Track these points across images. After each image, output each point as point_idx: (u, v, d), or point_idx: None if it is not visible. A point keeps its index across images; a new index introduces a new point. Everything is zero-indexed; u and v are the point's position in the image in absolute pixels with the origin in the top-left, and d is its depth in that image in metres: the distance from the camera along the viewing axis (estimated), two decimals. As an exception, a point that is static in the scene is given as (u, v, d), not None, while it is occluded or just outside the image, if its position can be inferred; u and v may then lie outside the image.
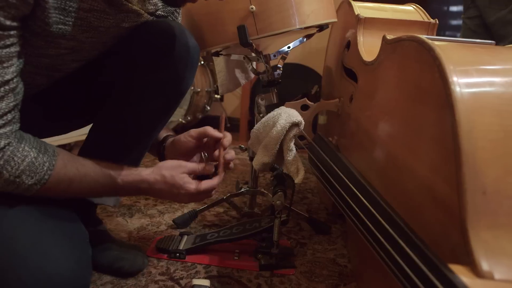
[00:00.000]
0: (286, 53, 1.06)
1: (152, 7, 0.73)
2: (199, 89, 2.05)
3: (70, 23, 0.59)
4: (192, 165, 0.77)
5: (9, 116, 0.59)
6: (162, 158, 0.86)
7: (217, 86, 2.10)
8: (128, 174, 0.72)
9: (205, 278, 0.84)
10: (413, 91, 0.63)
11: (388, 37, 0.76)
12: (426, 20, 1.07)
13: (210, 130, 0.84)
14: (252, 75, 1.23)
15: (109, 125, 0.78)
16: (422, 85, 0.59)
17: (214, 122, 0.95)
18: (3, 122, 0.59)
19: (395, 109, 0.70)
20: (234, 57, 1.11)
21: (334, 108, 1.08)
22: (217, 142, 0.84)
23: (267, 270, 0.88)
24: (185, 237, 0.96)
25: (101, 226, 0.90)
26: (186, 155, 0.83)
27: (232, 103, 2.30)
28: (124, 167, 0.73)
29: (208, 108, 2.21)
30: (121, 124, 0.78)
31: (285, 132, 0.90)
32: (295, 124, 0.91)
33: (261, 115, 1.08)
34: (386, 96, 0.75)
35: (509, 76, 0.54)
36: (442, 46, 0.57)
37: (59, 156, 0.66)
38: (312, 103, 1.07)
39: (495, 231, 0.47)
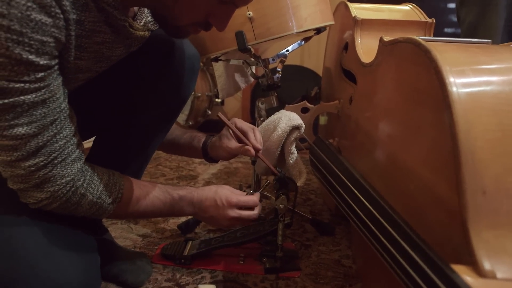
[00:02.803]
0: (285, 56, 1.07)
1: (157, 26, 0.74)
2: (199, 94, 2.05)
3: (85, 57, 0.61)
4: (241, 194, 0.81)
5: (77, 139, 0.62)
6: (207, 155, 0.91)
7: (217, 90, 2.10)
8: (181, 188, 0.77)
9: (211, 283, 0.84)
10: (411, 93, 0.63)
11: (385, 39, 0.76)
12: (423, 19, 1.07)
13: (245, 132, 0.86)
14: (252, 79, 1.23)
15: (113, 136, 0.79)
16: (419, 87, 0.59)
17: (216, 126, 0.96)
18: (77, 143, 0.62)
19: (394, 110, 0.71)
20: (233, 62, 1.12)
21: (334, 110, 1.08)
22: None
23: (273, 274, 0.88)
24: (190, 243, 0.96)
25: (107, 235, 0.90)
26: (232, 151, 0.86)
27: (233, 106, 2.31)
28: (173, 185, 0.78)
29: (209, 112, 2.20)
30: (124, 134, 0.79)
31: (286, 135, 0.91)
32: (296, 128, 0.92)
33: (261, 119, 1.10)
34: (385, 98, 0.76)
35: (505, 75, 0.54)
36: (438, 47, 0.57)
37: (125, 177, 0.71)
38: (312, 106, 1.07)
39: (496, 231, 0.47)
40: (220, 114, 0.85)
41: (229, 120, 0.86)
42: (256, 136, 0.86)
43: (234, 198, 0.79)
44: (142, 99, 0.78)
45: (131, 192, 0.71)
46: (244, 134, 0.86)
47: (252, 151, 0.83)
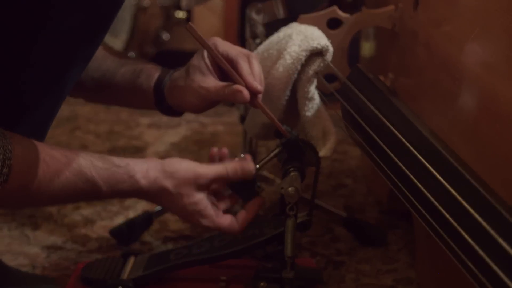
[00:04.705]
0: None
1: None
2: (147, 4, 2.04)
3: None
4: (218, 169, 0.86)
5: None
6: (163, 103, 0.94)
7: (179, -4, 2.08)
8: (118, 181, 0.82)
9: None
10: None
11: None
12: None
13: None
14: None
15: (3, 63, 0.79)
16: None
17: (179, 62, 0.96)
18: None
19: (495, 16, 0.71)
20: None
21: (388, 24, 1.07)
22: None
23: (277, 310, 0.89)
24: (132, 259, 0.96)
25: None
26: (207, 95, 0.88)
27: (209, 25, 2.28)
28: (110, 163, 0.82)
29: (167, 35, 2.19)
30: (16, 60, 0.79)
31: (299, 67, 0.91)
32: (317, 53, 0.92)
33: (257, 41, 1.09)
34: None
35: None
36: None
37: (16, 138, 0.72)
38: (348, 15, 1.06)
39: None
40: (190, 26, 0.83)
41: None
42: (253, 68, 0.86)
43: (206, 212, 0.85)
44: (44, 4, 0.77)
45: (26, 167, 0.72)
46: (233, 63, 0.86)
47: (246, 94, 0.83)
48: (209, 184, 0.85)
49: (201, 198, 0.84)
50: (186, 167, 0.85)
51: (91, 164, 0.79)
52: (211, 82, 0.86)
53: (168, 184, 0.83)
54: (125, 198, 0.90)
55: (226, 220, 0.86)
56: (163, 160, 0.87)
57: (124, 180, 0.82)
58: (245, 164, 0.87)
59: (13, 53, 0.79)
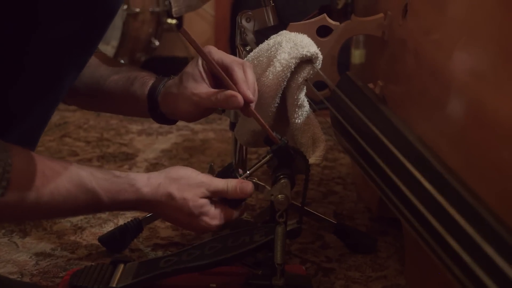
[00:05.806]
0: None
1: None
2: (137, 10, 2.04)
3: None
4: (219, 184, 0.89)
5: None
6: (157, 110, 0.95)
7: (170, 3, 2.09)
8: (119, 191, 0.84)
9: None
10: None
11: None
12: None
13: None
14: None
15: None
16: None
17: (170, 69, 0.97)
18: None
19: (482, 25, 0.71)
20: None
21: (377, 31, 1.08)
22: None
23: (267, 318, 0.89)
24: (122, 267, 0.95)
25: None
26: (200, 102, 0.89)
27: (199, 33, 2.28)
28: (110, 174, 0.84)
29: (157, 43, 2.19)
30: (10, 68, 0.79)
31: (289, 74, 0.91)
32: (307, 60, 0.92)
33: (247, 48, 1.09)
34: (466, 5, 0.76)
35: None
36: None
37: (13, 149, 0.72)
38: (338, 23, 1.07)
39: None
40: (184, 30, 0.83)
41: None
42: (247, 76, 0.87)
43: (212, 211, 0.88)
44: (40, 11, 0.78)
45: (25, 180, 0.73)
46: (228, 71, 0.87)
47: (240, 98, 0.84)
48: (209, 195, 0.87)
49: (205, 202, 0.87)
50: (190, 174, 0.88)
51: (91, 175, 0.81)
52: (203, 89, 0.87)
53: (173, 189, 0.85)
54: (126, 211, 0.93)
55: (231, 211, 0.91)
56: (165, 169, 0.89)
57: (125, 189, 0.84)
58: (245, 185, 0.89)
59: (5, 61, 0.79)
